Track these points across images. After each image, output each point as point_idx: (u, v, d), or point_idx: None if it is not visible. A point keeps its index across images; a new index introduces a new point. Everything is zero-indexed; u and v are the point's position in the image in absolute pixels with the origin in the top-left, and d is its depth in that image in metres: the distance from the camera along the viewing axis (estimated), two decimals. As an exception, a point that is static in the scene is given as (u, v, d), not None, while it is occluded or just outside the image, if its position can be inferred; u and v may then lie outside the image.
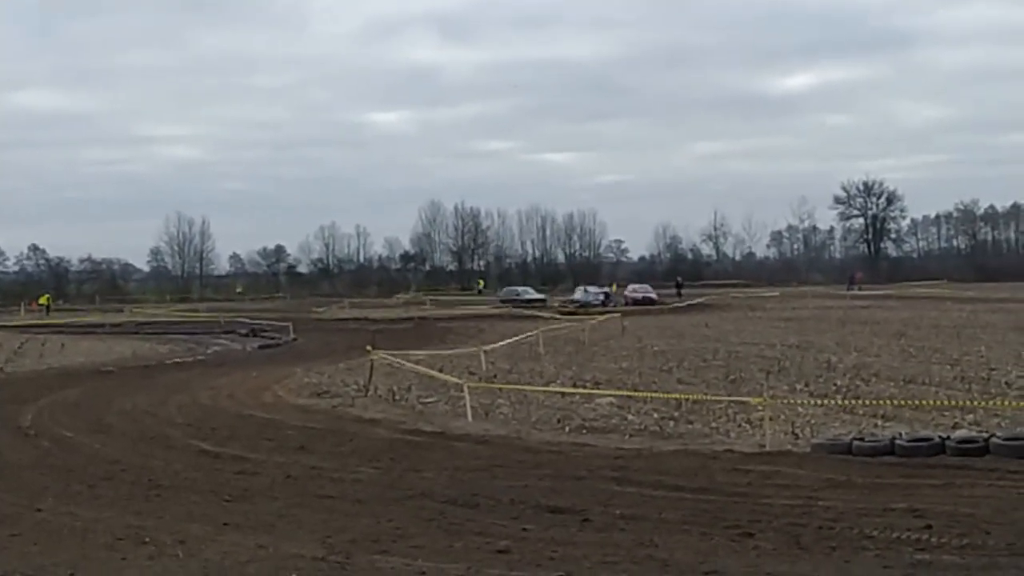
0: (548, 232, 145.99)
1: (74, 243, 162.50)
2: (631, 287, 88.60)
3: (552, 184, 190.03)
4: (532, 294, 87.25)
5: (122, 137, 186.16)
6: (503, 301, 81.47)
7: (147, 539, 12.38)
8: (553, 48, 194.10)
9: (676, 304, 74.68)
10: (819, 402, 21.67)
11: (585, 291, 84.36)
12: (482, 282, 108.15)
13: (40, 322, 73.30)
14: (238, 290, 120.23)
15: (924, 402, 21.07)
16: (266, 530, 12.76)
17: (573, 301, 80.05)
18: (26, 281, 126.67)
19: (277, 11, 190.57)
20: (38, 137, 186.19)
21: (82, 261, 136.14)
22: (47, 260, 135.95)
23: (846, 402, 21.82)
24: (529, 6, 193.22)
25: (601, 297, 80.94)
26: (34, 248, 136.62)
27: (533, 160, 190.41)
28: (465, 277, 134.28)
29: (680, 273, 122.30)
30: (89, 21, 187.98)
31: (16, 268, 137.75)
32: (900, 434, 17.08)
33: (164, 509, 14.30)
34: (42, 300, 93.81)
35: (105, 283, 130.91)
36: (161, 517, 13.73)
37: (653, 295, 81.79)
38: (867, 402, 21.61)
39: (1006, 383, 24.76)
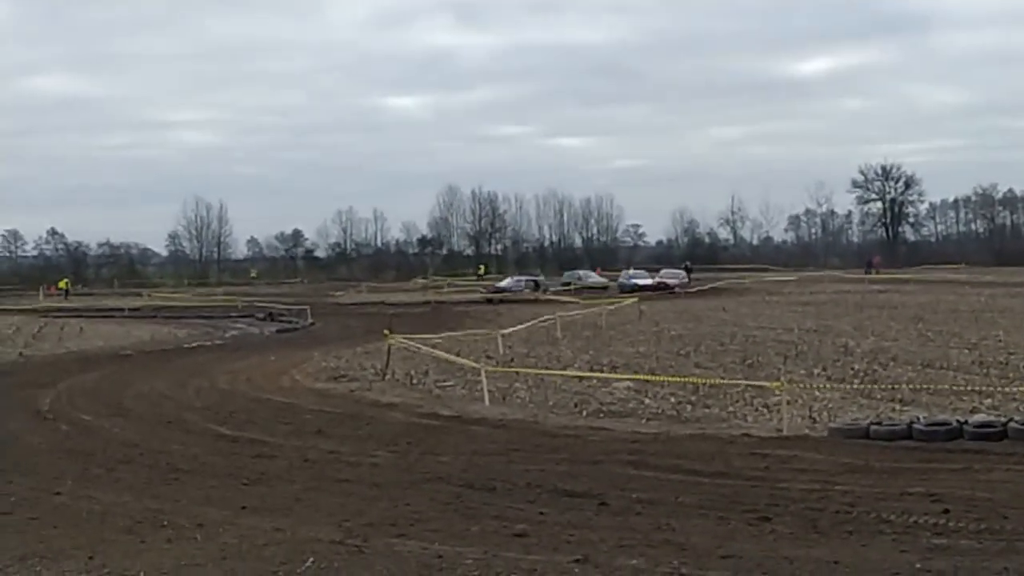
0: (565, 217, 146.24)
1: (92, 228, 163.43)
2: (662, 272, 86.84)
3: (568, 169, 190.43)
4: (595, 278, 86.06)
5: (139, 122, 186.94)
6: (564, 284, 79.72)
7: (165, 522, 12.42)
8: (569, 32, 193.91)
9: (685, 289, 74.14)
10: (836, 386, 21.65)
11: (515, 279, 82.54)
12: (483, 268, 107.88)
13: (59, 306, 73.52)
14: (252, 275, 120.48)
15: (942, 386, 21.06)
16: (284, 513, 12.79)
17: (499, 289, 77.01)
18: (45, 265, 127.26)
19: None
20: (56, 122, 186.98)
21: (100, 245, 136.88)
22: (66, 244, 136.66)
23: (864, 386, 21.78)
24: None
25: (531, 284, 78.07)
26: (53, 232, 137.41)
27: (549, 145, 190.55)
28: (482, 261, 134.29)
29: (697, 258, 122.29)
30: (105, 6, 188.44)
31: (35, 252, 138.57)
32: (918, 418, 17.05)
33: (182, 493, 14.34)
34: (61, 284, 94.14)
35: (123, 267, 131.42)
36: (179, 501, 13.77)
37: (650, 280, 79.67)
38: (885, 386, 21.57)
39: (1024, 367, 24.70)
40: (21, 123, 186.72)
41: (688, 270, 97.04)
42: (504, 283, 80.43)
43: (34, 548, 11.39)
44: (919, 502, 12.23)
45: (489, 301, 67.08)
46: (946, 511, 11.65)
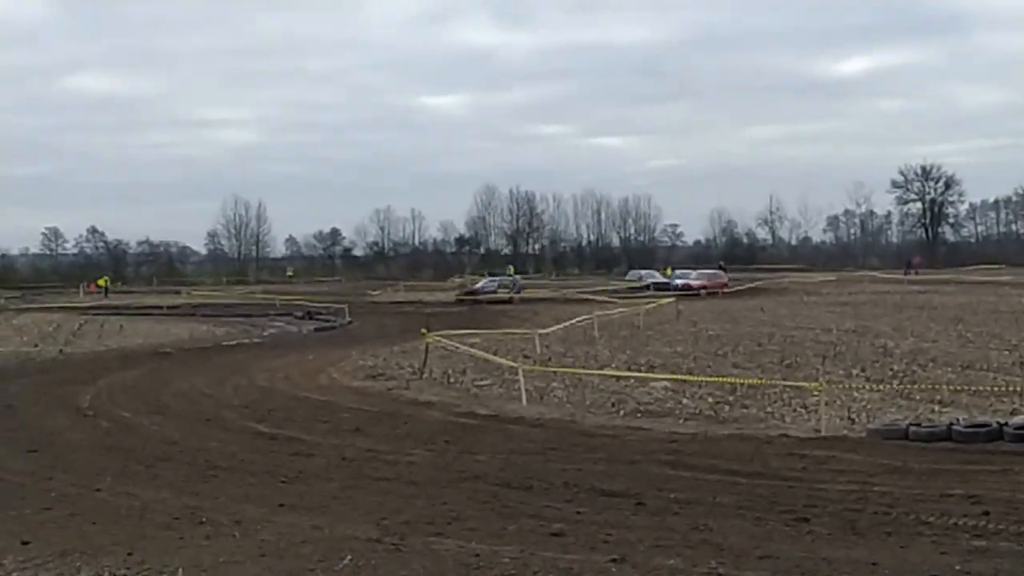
0: (603, 216, 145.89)
1: (132, 226, 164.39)
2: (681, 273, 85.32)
3: (606, 168, 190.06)
4: (657, 277, 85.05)
5: (179, 120, 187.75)
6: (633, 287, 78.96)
7: (204, 519, 12.48)
8: (607, 32, 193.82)
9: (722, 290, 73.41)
10: (875, 387, 21.55)
11: (488, 280, 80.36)
12: (511, 268, 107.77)
13: (99, 304, 73.94)
14: (289, 273, 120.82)
15: (982, 388, 20.94)
16: (321, 511, 12.83)
17: (473, 291, 74.02)
18: (85, 263, 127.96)
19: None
20: (96, 120, 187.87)
21: (140, 244, 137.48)
22: (106, 243, 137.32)
23: (903, 387, 21.69)
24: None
25: (506, 285, 75.09)
26: (93, 231, 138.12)
27: (587, 144, 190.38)
28: (520, 261, 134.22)
29: (735, 258, 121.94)
30: (145, 4, 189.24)
31: (75, 250, 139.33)
32: (957, 420, 16.96)
33: (220, 490, 14.41)
34: (101, 282, 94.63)
35: (163, 266, 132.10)
36: (218, 498, 13.84)
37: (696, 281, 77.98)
38: (924, 387, 21.46)
39: (1066, 369, 24.53)
40: (63, 121, 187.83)
41: (722, 270, 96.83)
42: (479, 284, 78.42)
43: (74, 544, 11.47)
44: (958, 504, 12.16)
45: (461, 303, 65.97)
46: (986, 513, 11.58)
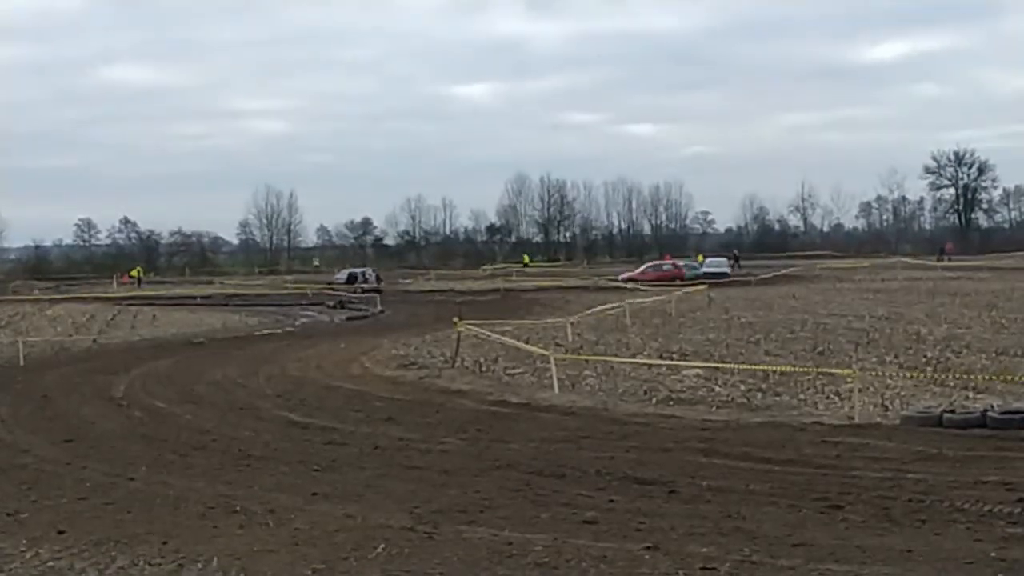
0: (634, 204, 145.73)
1: (165, 216, 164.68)
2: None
3: (638, 156, 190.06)
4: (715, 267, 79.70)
5: (211, 111, 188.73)
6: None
7: (237, 508, 12.54)
8: (639, 19, 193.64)
9: (735, 277, 71.83)
10: (909, 374, 21.45)
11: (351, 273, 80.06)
12: (527, 257, 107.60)
13: (132, 294, 74.31)
14: (315, 263, 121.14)
15: (1016, 374, 20.81)
16: (354, 500, 12.87)
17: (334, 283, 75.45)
18: (118, 254, 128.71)
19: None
20: (129, 111, 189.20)
21: (172, 234, 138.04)
22: (138, 233, 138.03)
23: (936, 374, 21.57)
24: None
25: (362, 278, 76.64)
26: (125, 221, 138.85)
27: (619, 132, 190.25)
28: (551, 249, 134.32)
29: (767, 245, 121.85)
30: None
31: (108, 241, 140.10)
32: (992, 406, 16.87)
33: (254, 479, 14.47)
34: (133, 273, 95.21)
35: (195, 256, 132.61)
36: (251, 487, 13.89)
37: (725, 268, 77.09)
38: (958, 374, 21.34)
39: (1101, 355, 24.38)
40: (96, 112, 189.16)
41: (735, 258, 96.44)
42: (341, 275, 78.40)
43: (109, 533, 11.54)
44: (993, 491, 12.09)
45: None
46: (1021, 500, 11.51)
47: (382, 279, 78.32)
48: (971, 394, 19.56)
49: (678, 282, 63.53)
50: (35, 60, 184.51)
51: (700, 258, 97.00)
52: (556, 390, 22.20)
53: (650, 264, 79.44)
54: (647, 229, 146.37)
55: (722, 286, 59.94)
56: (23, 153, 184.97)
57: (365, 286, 72.83)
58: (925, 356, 25.21)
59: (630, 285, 63.32)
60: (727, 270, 75.31)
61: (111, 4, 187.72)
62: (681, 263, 78.57)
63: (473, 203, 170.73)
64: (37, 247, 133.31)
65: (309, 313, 55.21)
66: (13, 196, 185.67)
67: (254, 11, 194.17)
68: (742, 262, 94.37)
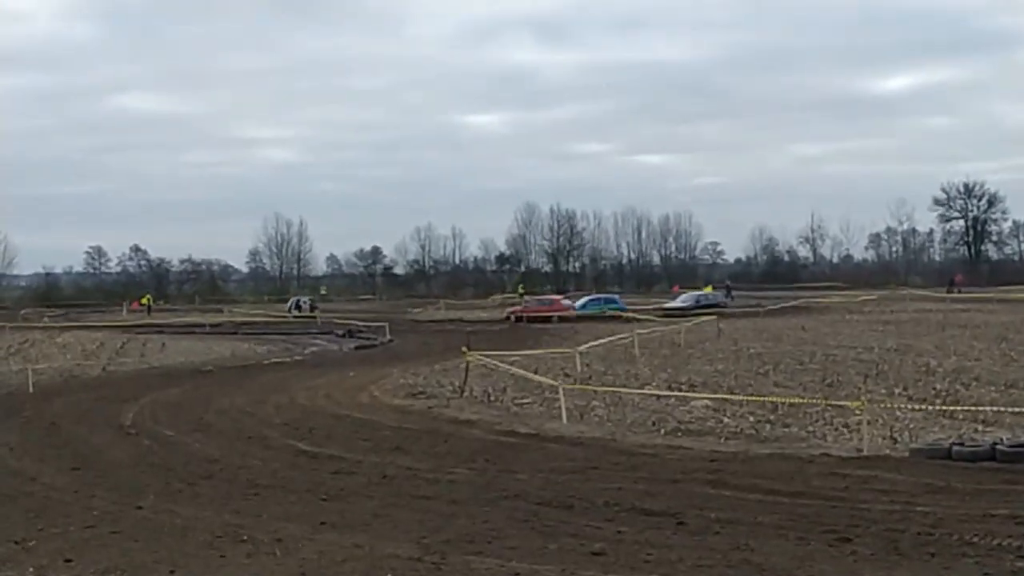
0: (644, 234, 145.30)
1: (175, 244, 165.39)
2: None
3: (648, 186, 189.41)
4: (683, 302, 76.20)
5: (221, 139, 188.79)
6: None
7: (245, 537, 12.54)
8: (649, 50, 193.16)
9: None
10: (918, 406, 21.41)
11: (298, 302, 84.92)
12: (522, 288, 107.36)
13: (141, 322, 74.42)
14: (322, 291, 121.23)
15: (1026, 407, 20.75)
16: (362, 530, 12.87)
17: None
18: (128, 281, 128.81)
19: (373, 13, 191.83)
20: (139, 140, 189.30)
21: (182, 262, 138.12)
22: (148, 261, 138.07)
23: (946, 407, 21.53)
24: (625, 8, 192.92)
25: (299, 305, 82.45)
26: (136, 249, 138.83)
27: (629, 162, 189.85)
28: (560, 279, 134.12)
29: (777, 276, 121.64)
30: (189, 25, 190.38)
31: (118, 268, 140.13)
32: (1001, 439, 16.86)
33: (262, 508, 14.47)
34: (143, 300, 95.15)
35: (205, 283, 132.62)
36: (259, 516, 13.90)
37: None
38: (967, 407, 21.29)
39: (1111, 388, 24.32)
40: (107, 140, 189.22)
41: (729, 288, 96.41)
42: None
43: (116, 562, 11.55)
44: (1003, 524, 12.08)
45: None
46: (1030, 534, 11.50)
47: (316, 307, 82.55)
48: (980, 427, 19.54)
49: (555, 318, 65.70)
50: (47, 89, 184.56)
51: (708, 288, 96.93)
52: (564, 420, 22.19)
53: (536, 299, 79.20)
54: (656, 259, 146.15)
55: (735, 317, 59.77)
56: (34, 181, 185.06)
57: (298, 312, 79.39)
58: (934, 388, 25.16)
59: (512, 319, 66.37)
60: (710, 301, 73.54)
61: (123, 33, 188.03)
62: (567, 300, 77.35)
63: (483, 232, 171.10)
64: (47, 274, 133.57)
65: (318, 342, 55.24)
66: (24, 224, 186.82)
67: (266, 40, 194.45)
68: (735, 293, 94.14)
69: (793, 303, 75.10)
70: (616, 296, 78.76)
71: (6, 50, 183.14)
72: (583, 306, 72.03)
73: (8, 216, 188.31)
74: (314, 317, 73.26)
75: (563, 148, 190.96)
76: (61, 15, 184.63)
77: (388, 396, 28.15)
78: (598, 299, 75.77)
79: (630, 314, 61.96)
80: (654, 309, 69.93)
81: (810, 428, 20.16)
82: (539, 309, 70.08)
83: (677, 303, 73.52)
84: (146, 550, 12.12)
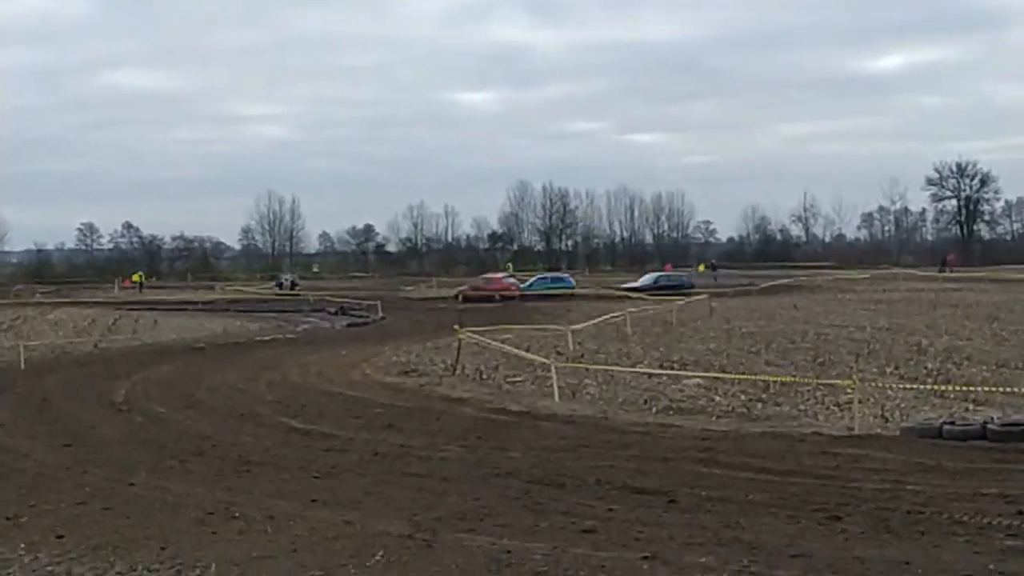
0: (636, 213, 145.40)
1: (167, 221, 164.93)
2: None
3: (640, 165, 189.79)
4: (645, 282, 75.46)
5: (213, 116, 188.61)
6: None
7: (236, 514, 12.54)
8: (642, 29, 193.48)
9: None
10: (909, 386, 21.45)
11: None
12: (510, 266, 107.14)
13: (133, 299, 74.37)
14: (315, 269, 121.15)
15: (1017, 386, 20.79)
16: (354, 507, 12.88)
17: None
18: (120, 258, 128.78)
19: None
20: (131, 116, 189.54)
21: (174, 239, 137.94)
22: (140, 238, 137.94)
23: (937, 386, 21.54)
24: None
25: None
26: (128, 226, 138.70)
27: (621, 141, 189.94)
28: (553, 257, 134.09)
29: (769, 255, 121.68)
30: (182, 1, 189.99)
31: (110, 245, 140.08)
32: (992, 418, 16.87)
33: (253, 485, 14.48)
34: (135, 277, 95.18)
35: (197, 261, 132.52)
36: (250, 493, 13.90)
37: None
38: (958, 386, 21.32)
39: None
40: (99, 117, 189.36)
41: (714, 267, 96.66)
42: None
43: (107, 538, 11.55)
44: (993, 503, 12.09)
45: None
46: (1020, 512, 11.50)
47: (297, 284, 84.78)
48: (971, 406, 19.57)
49: (498, 297, 65.68)
50: (38, 65, 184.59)
51: (700, 267, 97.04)
52: (556, 399, 22.21)
53: (483, 277, 79.01)
54: (649, 238, 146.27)
55: (724, 296, 59.75)
56: (26, 157, 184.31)
57: (280, 289, 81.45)
58: (926, 367, 25.20)
59: (460, 298, 66.31)
60: (677, 283, 72.31)
61: (115, 9, 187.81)
62: (511, 279, 76.66)
63: (475, 211, 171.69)
64: (39, 251, 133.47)
65: (311, 319, 55.27)
66: (16, 200, 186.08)
67: (258, 17, 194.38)
68: (722, 271, 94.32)
69: (785, 282, 75.15)
70: (566, 276, 78.08)
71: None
72: (530, 285, 72.23)
73: (0, 192, 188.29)
74: (298, 294, 74.07)
75: (555, 127, 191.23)
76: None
77: (380, 374, 28.17)
78: (545, 278, 75.84)
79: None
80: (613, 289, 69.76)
81: (801, 407, 20.20)
82: (483, 288, 70.24)
83: (635, 283, 73.44)
84: (137, 526, 12.11)
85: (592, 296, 64.96)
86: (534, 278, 76.59)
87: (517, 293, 67.93)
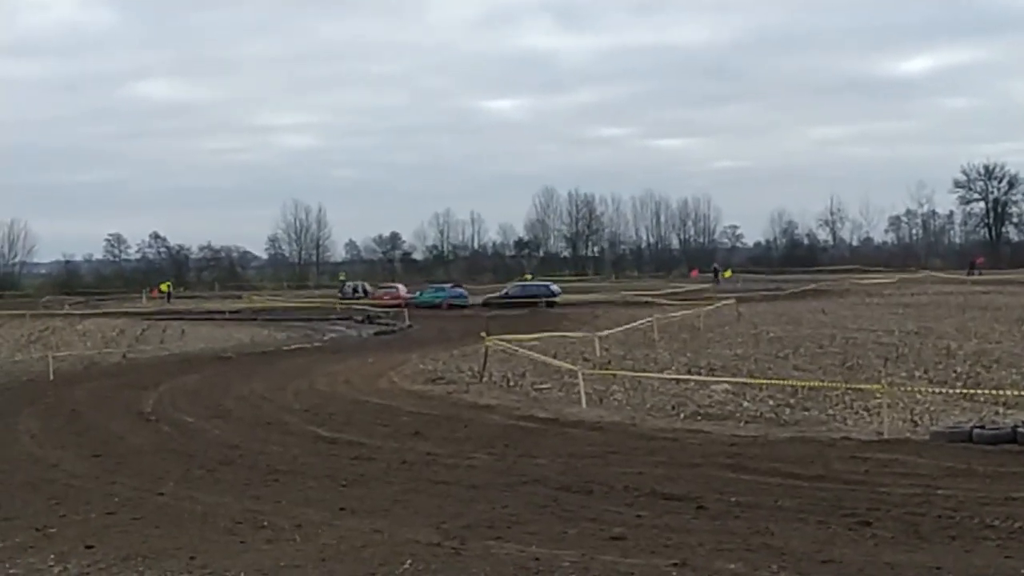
0: (663, 218, 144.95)
1: (194, 231, 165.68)
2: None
3: (666, 170, 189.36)
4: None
5: (240, 126, 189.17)
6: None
7: (265, 523, 12.56)
8: (668, 33, 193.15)
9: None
10: (938, 389, 21.34)
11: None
12: (530, 276, 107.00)
13: (161, 309, 74.61)
14: (341, 277, 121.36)
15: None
16: (382, 515, 12.87)
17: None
18: (147, 268, 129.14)
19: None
20: (159, 127, 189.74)
21: (202, 249, 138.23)
22: (168, 248, 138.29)
23: (966, 389, 21.43)
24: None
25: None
26: (155, 236, 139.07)
27: (647, 146, 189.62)
28: (579, 264, 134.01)
29: (796, 259, 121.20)
30: (207, 11, 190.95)
31: (138, 256, 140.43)
32: (1022, 422, 16.77)
33: (282, 494, 14.49)
34: (163, 287, 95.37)
35: (224, 270, 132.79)
36: (279, 502, 13.92)
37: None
38: (988, 390, 21.20)
39: None
40: (126, 127, 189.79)
41: (715, 272, 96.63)
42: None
43: (137, 548, 11.58)
44: (1024, 507, 12.03)
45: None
46: (1052, 517, 11.45)
47: (368, 291, 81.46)
48: (1001, 409, 19.46)
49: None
50: (66, 77, 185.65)
51: (727, 273, 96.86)
52: (584, 405, 22.18)
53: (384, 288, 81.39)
54: (675, 243, 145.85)
55: (754, 301, 59.59)
56: (54, 168, 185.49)
57: (345, 297, 78.55)
58: (955, 371, 25.07)
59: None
60: (532, 292, 71.46)
61: (141, 21, 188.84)
62: (404, 290, 78.69)
63: (501, 217, 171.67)
64: (67, 262, 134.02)
65: (337, 328, 55.34)
66: (44, 211, 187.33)
67: (283, 27, 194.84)
68: (724, 277, 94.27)
69: (812, 286, 74.91)
70: (462, 291, 77.50)
71: (27, 39, 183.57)
72: (420, 295, 73.39)
73: (28, 204, 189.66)
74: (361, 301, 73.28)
75: (581, 132, 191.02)
76: (82, 3, 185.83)
77: (407, 382, 28.18)
78: (442, 289, 76.74)
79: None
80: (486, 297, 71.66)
81: (830, 412, 20.12)
82: (379, 297, 73.67)
83: (499, 293, 74.01)
84: (167, 536, 12.15)
85: (619, 302, 64.88)
86: (431, 289, 78.07)
87: (399, 303, 68.06)
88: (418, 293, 74.86)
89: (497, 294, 72.76)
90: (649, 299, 62.80)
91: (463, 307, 67.96)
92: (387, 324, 55.16)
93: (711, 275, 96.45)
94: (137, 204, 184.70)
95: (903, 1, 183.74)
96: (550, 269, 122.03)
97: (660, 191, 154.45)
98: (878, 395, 19.19)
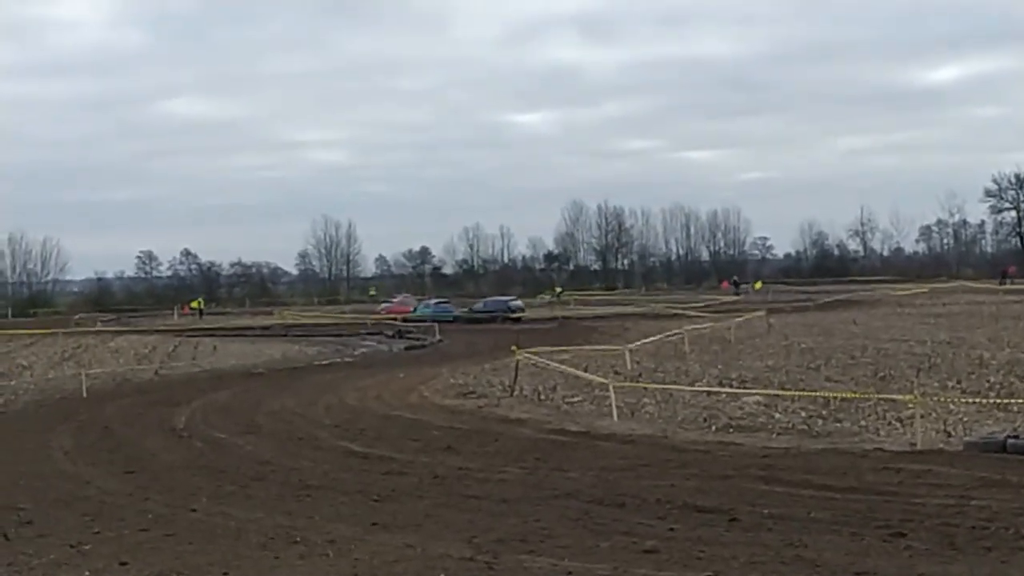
0: (692, 230, 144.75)
1: (224, 247, 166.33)
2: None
3: (695, 182, 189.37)
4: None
5: (269, 142, 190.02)
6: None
7: (298, 539, 12.58)
8: (695, 46, 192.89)
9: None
10: (972, 400, 21.22)
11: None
12: (559, 289, 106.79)
13: (193, 326, 74.90)
14: (371, 292, 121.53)
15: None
16: (414, 530, 12.88)
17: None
18: (179, 285, 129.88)
19: (419, 13, 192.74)
20: (189, 144, 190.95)
21: (232, 265, 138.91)
22: (199, 264, 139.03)
23: (1000, 399, 21.33)
24: (669, 3, 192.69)
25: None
26: (186, 253, 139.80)
27: (675, 158, 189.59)
28: (609, 277, 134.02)
29: (827, 270, 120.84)
30: (236, 29, 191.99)
31: (169, 272, 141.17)
32: (1057, 432, 16.68)
33: (314, 509, 14.50)
34: (194, 304, 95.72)
35: (255, 286, 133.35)
36: (311, 517, 13.93)
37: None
38: (1022, 399, 21.09)
39: None
40: (157, 145, 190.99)
41: (736, 284, 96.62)
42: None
43: (170, 564, 11.61)
44: (1060, 518, 11.95)
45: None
46: (1088, 527, 11.37)
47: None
48: (1036, 419, 19.35)
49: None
50: (97, 95, 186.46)
51: (757, 284, 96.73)
52: (615, 418, 22.15)
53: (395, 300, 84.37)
54: (705, 255, 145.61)
55: (784, 312, 59.46)
56: (86, 186, 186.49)
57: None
58: (988, 381, 24.95)
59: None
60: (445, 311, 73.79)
61: (172, 39, 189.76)
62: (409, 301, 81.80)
63: (531, 231, 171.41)
64: (99, 279, 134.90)
65: (368, 343, 55.42)
66: (76, 229, 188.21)
67: (312, 43, 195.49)
68: (755, 289, 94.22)
69: (843, 297, 74.67)
70: (449, 306, 77.57)
71: (58, 58, 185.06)
72: (414, 311, 74.55)
73: (61, 222, 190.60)
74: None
75: (609, 145, 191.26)
76: (111, 22, 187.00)
77: (438, 396, 28.20)
78: (428, 306, 77.06)
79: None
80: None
81: (862, 423, 20.04)
82: (381, 312, 75.92)
83: (466, 310, 74.97)
84: (200, 552, 12.17)
85: (650, 315, 64.81)
86: (432, 302, 79.01)
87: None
88: (413, 309, 75.73)
89: (466, 310, 73.92)
90: (678, 311, 62.74)
91: (451, 322, 68.28)
92: (417, 339, 55.23)
93: (732, 287, 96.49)
94: (168, 221, 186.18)
95: (930, 11, 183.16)
96: (580, 282, 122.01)
97: (689, 203, 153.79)
98: (911, 406, 19.09)
